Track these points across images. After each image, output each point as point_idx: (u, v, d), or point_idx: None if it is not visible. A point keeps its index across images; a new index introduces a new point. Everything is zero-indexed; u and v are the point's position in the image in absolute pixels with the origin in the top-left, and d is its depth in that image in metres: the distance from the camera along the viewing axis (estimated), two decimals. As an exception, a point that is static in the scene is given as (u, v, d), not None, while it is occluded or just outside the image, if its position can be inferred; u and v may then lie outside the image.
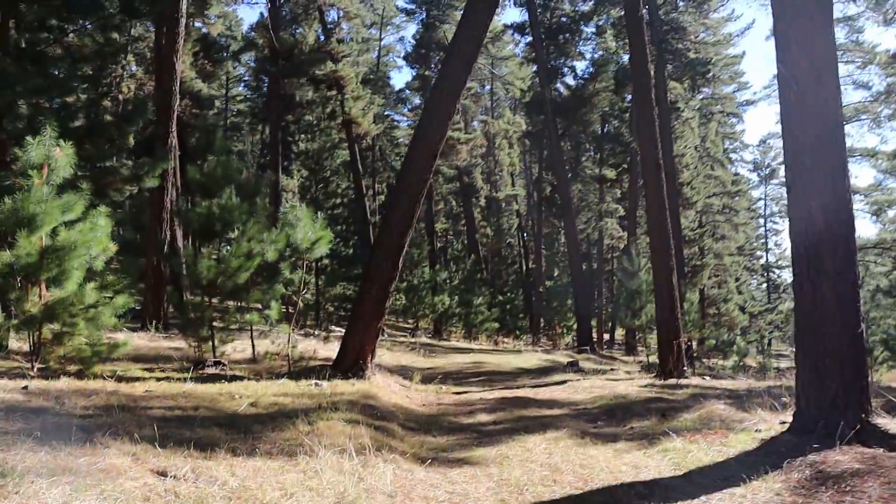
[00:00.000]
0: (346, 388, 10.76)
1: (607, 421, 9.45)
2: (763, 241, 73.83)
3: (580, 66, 37.29)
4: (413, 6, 45.88)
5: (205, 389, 9.39)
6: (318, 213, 13.04)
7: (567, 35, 35.07)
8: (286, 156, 41.63)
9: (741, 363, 24.95)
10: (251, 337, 13.49)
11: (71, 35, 16.35)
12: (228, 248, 12.81)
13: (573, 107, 34.78)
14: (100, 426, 6.35)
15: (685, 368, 16.32)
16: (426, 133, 12.30)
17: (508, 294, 42.98)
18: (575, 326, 34.54)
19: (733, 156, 64.37)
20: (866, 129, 38.26)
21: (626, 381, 15.34)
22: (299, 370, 12.00)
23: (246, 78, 53.85)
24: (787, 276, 76.85)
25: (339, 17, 41.39)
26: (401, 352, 20.59)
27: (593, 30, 36.46)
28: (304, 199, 36.48)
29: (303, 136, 39.56)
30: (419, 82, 44.67)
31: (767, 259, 73.91)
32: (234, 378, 10.83)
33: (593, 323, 39.79)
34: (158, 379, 10.03)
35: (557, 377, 15.98)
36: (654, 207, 16.92)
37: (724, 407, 9.54)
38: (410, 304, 35.42)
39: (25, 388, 8.00)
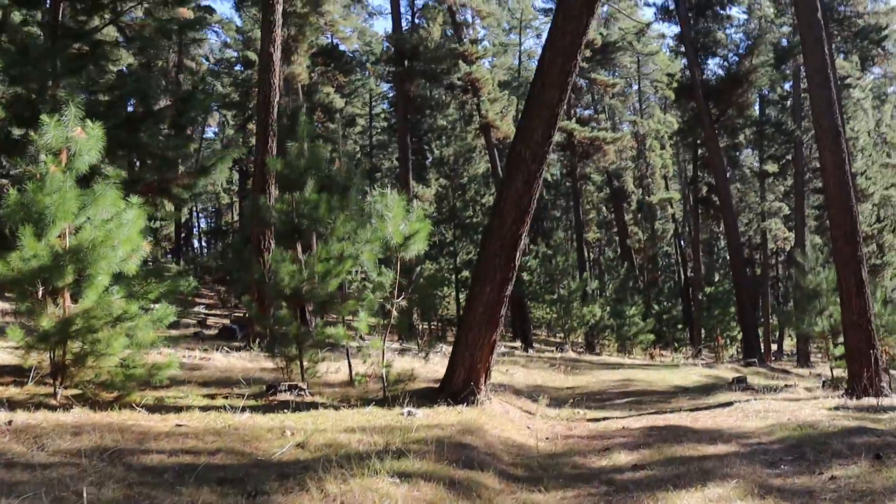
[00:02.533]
0: (446, 417, 8.49)
1: (795, 465, 6.72)
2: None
3: (732, 44, 33.48)
4: (550, 3, 43.42)
5: (257, 422, 7.32)
6: (414, 201, 10.81)
7: (717, 8, 31.61)
8: (422, 163, 39.96)
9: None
10: (347, 355, 11.38)
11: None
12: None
13: (727, 88, 31.27)
14: (40, 483, 4.35)
15: (883, 384, 13.15)
16: (543, 91, 9.88)
17: (665, 303, 39.70)
18: (740, 336, 31.12)
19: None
20: None
21: (809, 400, 12.37)
22: (395, 394, 9.80)
23: (390, 94, 52.87)
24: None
25: (472, 18, 39.45)
26: (539, 368, 18.06)
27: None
28: (440, 209, 34.66)
29: (438, 142, 37.73)
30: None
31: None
32: (309, 406, 8.74)
33: (759, 332, 36.03)
34: (207, 408, 8.02)
35: (721, 397, 13.11)
36: (835, 185, 13.82)
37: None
38: (559, 317, 32.95)
39: (10, 422, 6.18)
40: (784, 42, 33.54)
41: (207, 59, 44.28)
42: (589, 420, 10.53)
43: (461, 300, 33.16)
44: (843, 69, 32.09)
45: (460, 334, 10.30)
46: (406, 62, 29.32)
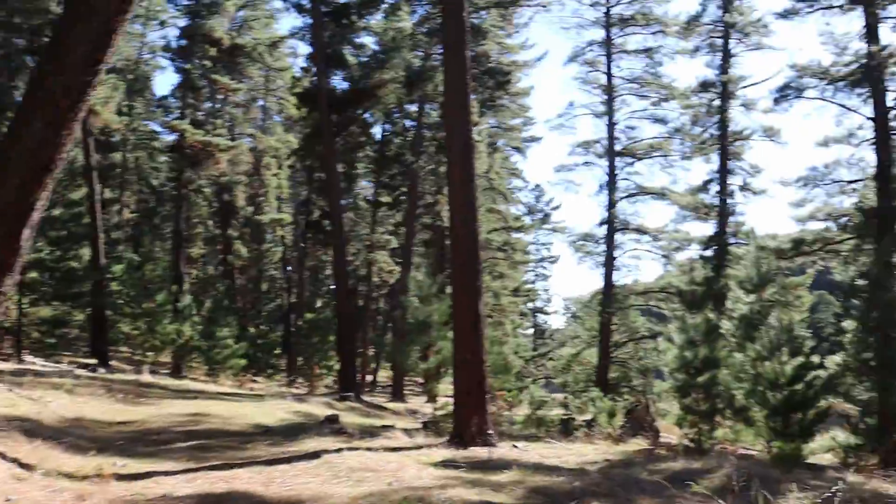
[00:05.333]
0: None
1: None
2: (532, 284, 71.84)
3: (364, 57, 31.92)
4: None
5: None
6: None
7: (353, 17, 29.93)
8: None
9: (534, 416, 20.81)
10: None
11: None
12: None
13: (354, 99, 29.60)
14: None
15: (491, 432, 11.49)
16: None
17: (262, 327, 37.07)
18: (337, 367, 29.30)
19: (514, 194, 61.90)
20: (658, 167, 35.92)
21: (411, 450, 10.29)
22: None
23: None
24: (554, 322, 75.93)
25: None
26: (91, 395, 14.22)
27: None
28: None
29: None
30: (183, 82, 38.09)
31: (535, 304, 72.18)
32: None
33: (357, 363, 34.77)
34: None
35: (309, 443, 10.54)
36: (460, 203, 12.19)
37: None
38: (141, 334, 28.90)
39: None
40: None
41: None
42: (122, 478, 7.39)
43: (24, 306, 27.82)
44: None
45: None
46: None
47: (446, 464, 8.85)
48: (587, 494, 6.83)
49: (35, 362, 21.14)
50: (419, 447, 10.69)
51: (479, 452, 10.00)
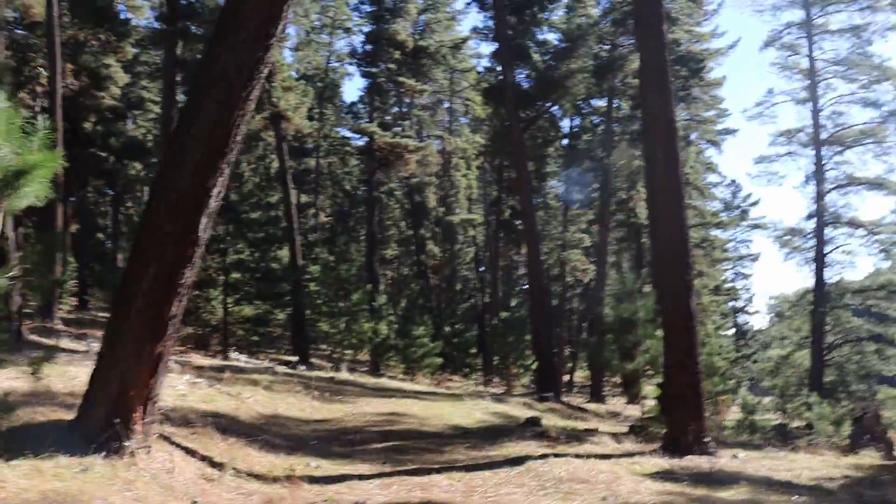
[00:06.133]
0: (30, 484, 4.73)
1: None
2: (732, 283, 68.53)
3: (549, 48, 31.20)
4: (366, 5, 40.04)
5: None
6: (41, 115, 6.89)
7: (535, 10, 29.28)
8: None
9: (747, 421, 19.44)
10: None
11: None
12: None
13: (541, 92, 28.90)
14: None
15: (708, 440, 10.42)
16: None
17: (457, 326, 36.95)
18: (534, 366, 28.66)
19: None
20: (871, 155, 33.07)
21: (622, 458, 9.40)
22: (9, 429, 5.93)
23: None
24: (756, 322, 72.25)
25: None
26: (288, 392, 14.16)
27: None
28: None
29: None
30: (370, 87, 38.73)
31: (736, 304, 68.74)
32: None
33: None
34: None
35: (510, 447, 9.87)
36: (665, 190, 11.09)
37: None
38: (338, 332, 29.37)
39: None
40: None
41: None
42: (314, 481, 6.97)
43: (229, 305, 28.79)
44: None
45: (108, 344, 6.35)
46: (179, 22, 24.71)
47: (664, 475, 7.95)
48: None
49: (239, 359, 21.71)
50: (630, 454, 9.79)
51: (698, 462, 9.02)
